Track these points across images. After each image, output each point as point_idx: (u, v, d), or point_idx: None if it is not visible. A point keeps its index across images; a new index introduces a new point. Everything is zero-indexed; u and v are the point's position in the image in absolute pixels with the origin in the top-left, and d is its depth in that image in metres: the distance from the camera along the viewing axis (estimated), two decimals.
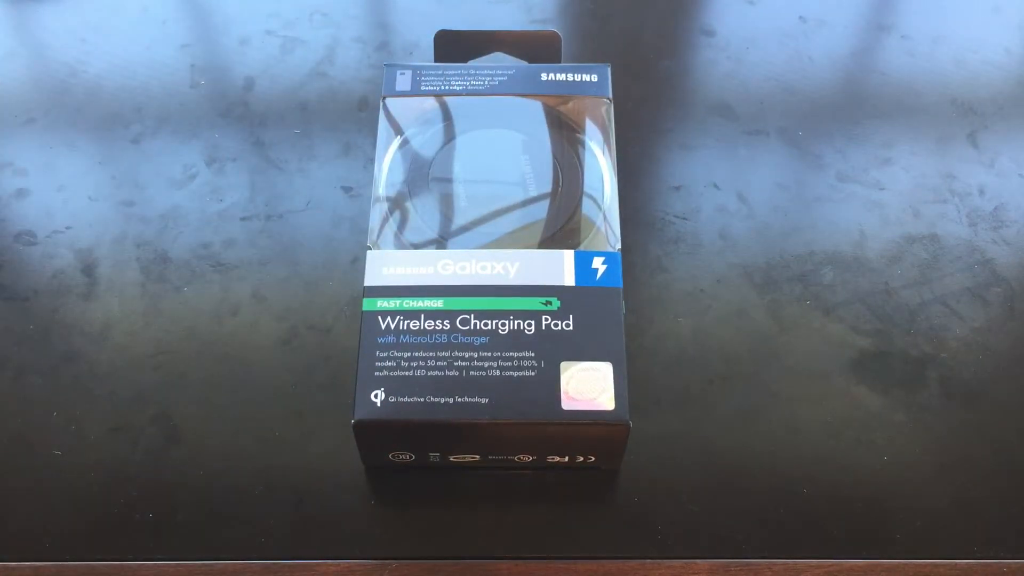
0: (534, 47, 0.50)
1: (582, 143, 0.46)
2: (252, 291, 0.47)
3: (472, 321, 0.40)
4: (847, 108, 0.55)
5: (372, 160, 0.49)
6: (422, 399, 0.38)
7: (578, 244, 0.43)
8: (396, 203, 0.44)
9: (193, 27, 0.58)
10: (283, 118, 0.54)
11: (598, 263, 0.41)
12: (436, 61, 0.50)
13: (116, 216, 0.50)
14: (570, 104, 0.47)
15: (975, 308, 0.47)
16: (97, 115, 0.54)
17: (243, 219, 0.50)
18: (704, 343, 0.46)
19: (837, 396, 0.44)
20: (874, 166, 0.52)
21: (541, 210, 0.44)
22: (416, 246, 0.43)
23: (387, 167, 0.45)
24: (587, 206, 0.44)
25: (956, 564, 0.40)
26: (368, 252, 0.42)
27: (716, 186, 0.51)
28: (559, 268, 0.41)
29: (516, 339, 0.39)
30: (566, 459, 0.41)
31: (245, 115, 0.54)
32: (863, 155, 0.52)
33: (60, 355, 0.45)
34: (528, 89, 0.47)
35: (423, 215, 0.44)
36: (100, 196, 0.50)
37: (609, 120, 0.47)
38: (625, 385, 0.39)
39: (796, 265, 0.48)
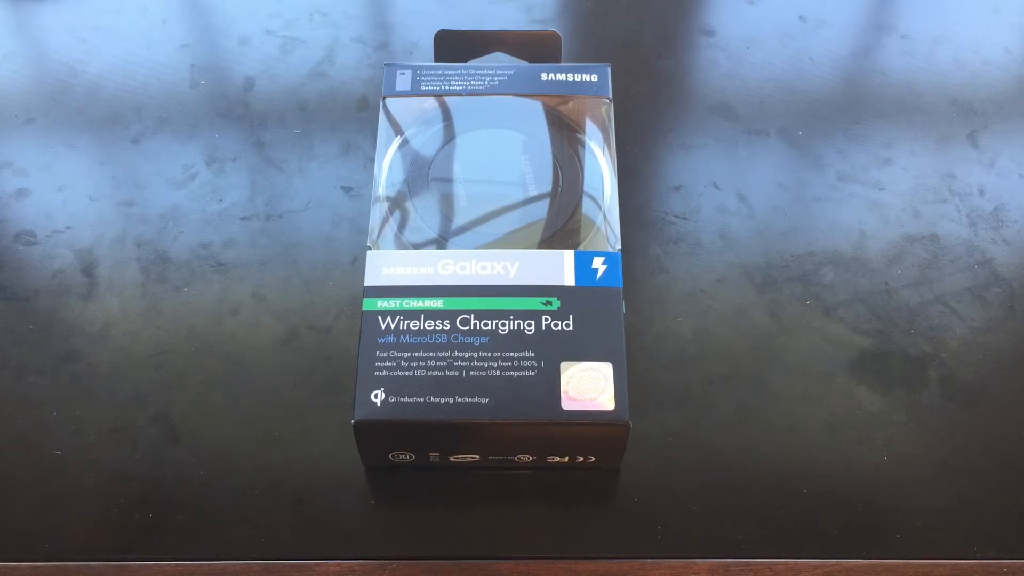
0: (534, 47, 0.50)
1: (582, 143, 0.46)
2: (252, 291, 0.47)
3: (472, 321, 0.40)
4: (847, 108, 0.55)
5: (372, 160, 0.49)
6: (422, 399, 0.38)
7: (578, 244, 0.43)
8: (396, 203, 0.44)
9: (193, 27, 0.58)
10: (283, 118, 0.54)
11: (598, 263, 0.41)
12: (436, 61, 0.50)
13: (116, 216, 0.50)
14: (570, 104, 0.47)
15: (975, 308, 0.47)
16: (97, 115, 0.54)
17: (243, 219, 0.50)
18: (704, 343, 0.46)
19: (837, 396, 0.44)
20: (874, 166, 0.52)
21: (541, 210, 0.44)
22: (416, 246, 0.43)
23: (387, 167, 0.45)
24: (587, 206, 0.44)
25: (956, 564, 0.40)
26: (368, 252, 0.42)
27: (716, 186, 0.51)
28: (559, 268, 0.41)
29: (516, 339, 0.39)
30: (566, 459, 0.41)
31: (245, 115, 0.54)
32: (863, 155, 0.52)
33: (60, 355, 0.45)
34: (528, 89, 0.47)
35: (423, 215, 0.44)
36: (100, 196, 0.50)
37: (609, 120, 0.47)
38: (625, 385, 0.39)
39: (796, 265, 0.48)
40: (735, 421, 0.43)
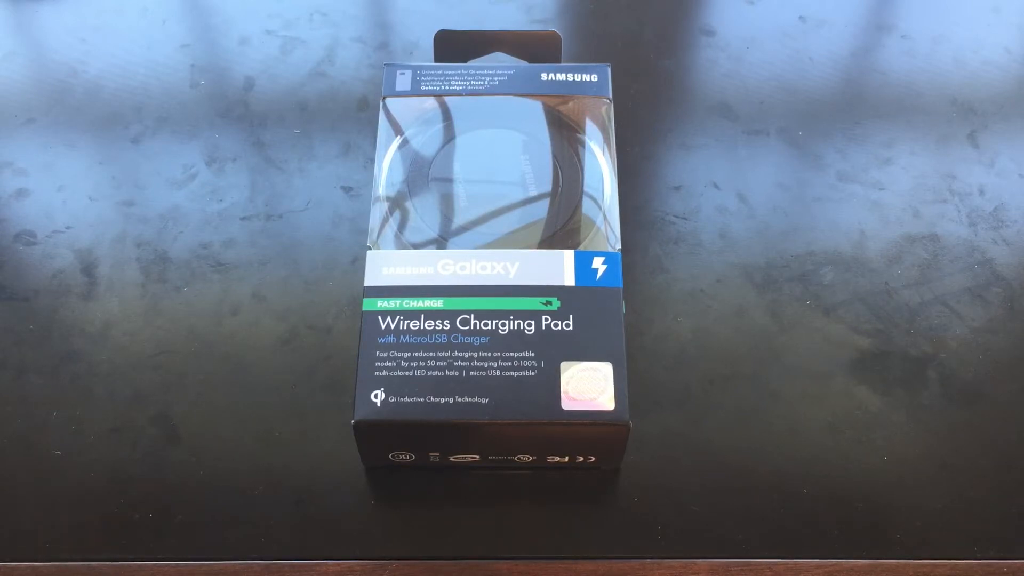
0: (534, 47, 0.50)
1: (582, 143, 0.46)
2: (252, 291, 0.47)
3: (472, 321, 0.40)
4: (847, 108, 0.55)
5: (372, 160, 0.49)
6: (422, 399, 0.38)
7: (578, 244, 0.43)
8: (396, 203, 0.44)
9: (193, 27, 0.58)
10: (283, 118, 0.54)
11: (598, 263, 0.41)
12: (436, 61, 0.50)
13: (116, 216, 0.50)
14: (570, 104, 0.47)
15: (975, 308, 0.47)
16: (97, 115, 0.54)
17: (243, 219, 0.50)
18: (704, 343, 0.46)
19: (837, 396, 0.44)
20: (874, 166, 0.52)
21: (541, 210, 0.44)
22: (416, 246, 0.43)
23: (387, 167, 0.45)
24: (587, 206, 0.44)
25: (956, 564, 0.40)
26: (368, 252, 0.42)
27: (716, 186, 0.51)
28: (559, 268, 0.41)
29: (516, 339, 0.39)
30: (566, 459, 0.41)
31: (245, 115, 0.54)
32: (863, 155, 0.52)
33: (60, 355, 0.45)
34: (528, 89, 0.47)
35: (423, 215, 0.44)
36: (100, 196, 0.50)
37: (609, 120, 0.47)
38: (625, 385, 0.39)
39: (796, 265, 0.48)
40: (735, 421, 0.43)
